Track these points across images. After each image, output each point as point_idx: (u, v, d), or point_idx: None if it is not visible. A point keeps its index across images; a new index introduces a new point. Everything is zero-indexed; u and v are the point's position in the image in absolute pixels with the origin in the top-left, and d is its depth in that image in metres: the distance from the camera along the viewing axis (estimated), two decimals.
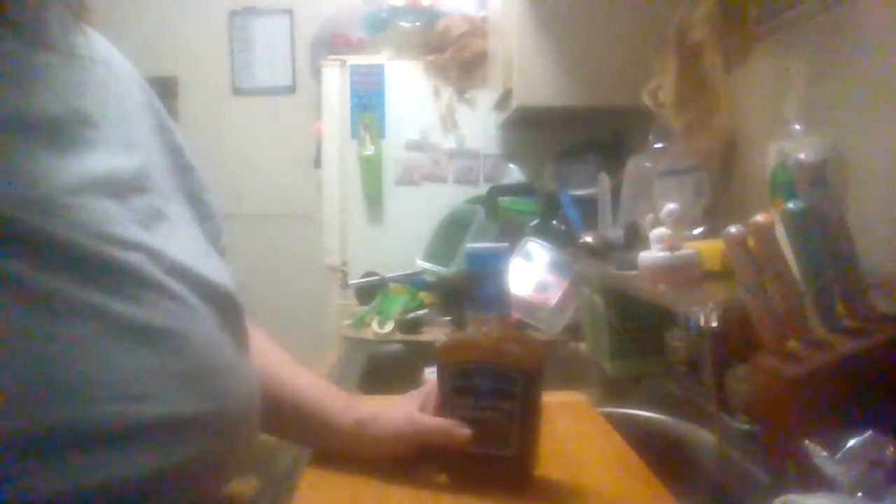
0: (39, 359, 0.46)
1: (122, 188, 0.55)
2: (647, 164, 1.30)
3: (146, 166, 0.59)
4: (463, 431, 0.69)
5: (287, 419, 0.77)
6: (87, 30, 0.60)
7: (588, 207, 1.57)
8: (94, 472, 0.47)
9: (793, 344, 0.58)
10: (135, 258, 0.53)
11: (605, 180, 1.45)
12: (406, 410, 0.77)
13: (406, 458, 0.74)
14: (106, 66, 0.61)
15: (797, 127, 0.89)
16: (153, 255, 0.54)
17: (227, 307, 0.62)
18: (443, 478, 0.71)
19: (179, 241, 0.59)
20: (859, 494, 0.44)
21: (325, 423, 0.77)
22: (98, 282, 0.50)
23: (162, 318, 0.53)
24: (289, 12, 2.88)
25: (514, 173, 2.11)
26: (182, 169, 0.68)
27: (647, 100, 1.22)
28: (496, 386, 0.65)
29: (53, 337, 0.47)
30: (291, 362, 0.83)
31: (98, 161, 0.54)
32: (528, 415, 0.66)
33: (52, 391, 0.46)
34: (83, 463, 0.46)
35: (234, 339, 0.62)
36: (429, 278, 1.85)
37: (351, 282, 1.96)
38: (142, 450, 0.49)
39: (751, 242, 0.59)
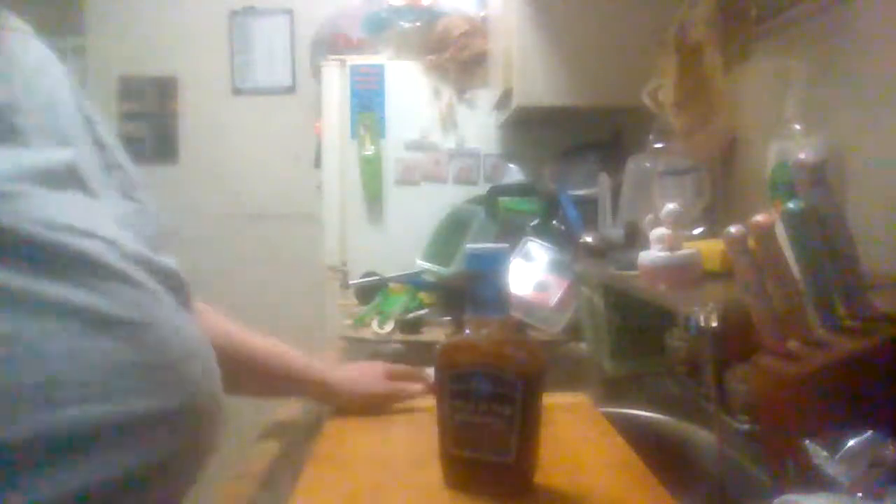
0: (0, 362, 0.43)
1: (58, 180, 0.52)
2: (647, 164, 1.30)
3: (78, 160, 0.56)
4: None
5: (256, 375, 0.87)
6: (12, 19, 0.58)
7: (588, 207, 1.57)
8: (63, 480, 0.44)
9: (793, 344, 0.58)
10: (90, 245, 0.50)
11: (605, 180, 1.45)
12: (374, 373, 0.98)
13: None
14: (32, 56, 0.59)
15: (797, 127, 0.89)
16: (108, 241, 0.51)
17: (182, 292, 0.60)
18: (441, 484, 0.70)
19: (124, 233, 0.56)
20: (859, 494, 0.44)
21: (296, 372, 0.92)
22: (54, 272, 0.47)
23: (126, 308, 0.50)
24: (289, 12, 2.88)
25: (514, 173, 2.11)
26: (111, 166, 0.63)
27: (647, 100, 1.22)
28: (496, 391, 0.65)
29: (13, 336, 0.44)
30: (244, 327, 0.88)
31: (32, 152, 0.51)
32: (528, 421, 0.65)
33: (16, 397, 0.43)
34: (50, 472, 0.43)
35: (192, 325, 0.60)
36: (429, 278, 1.85)
37: (351, 282, 1.96)
38: (113, 452, 0.46)
39: (751, 242, 0.59)
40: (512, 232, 1.72)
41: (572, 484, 0.70)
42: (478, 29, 2.07)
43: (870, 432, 0.45)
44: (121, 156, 0.64)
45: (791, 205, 0.57)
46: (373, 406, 0.95)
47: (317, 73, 2.25)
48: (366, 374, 0.98)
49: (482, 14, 2.10)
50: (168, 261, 0.60)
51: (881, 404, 0.52)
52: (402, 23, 2.12)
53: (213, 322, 0.80)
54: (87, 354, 0.46)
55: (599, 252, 1.31)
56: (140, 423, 0.48)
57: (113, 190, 0.61)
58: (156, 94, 2.90)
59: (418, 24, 2.11)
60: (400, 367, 1.02)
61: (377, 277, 1.88)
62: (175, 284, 0.58)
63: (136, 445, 0.48)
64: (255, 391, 0.90)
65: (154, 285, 0.54)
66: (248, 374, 0.84)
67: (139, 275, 0.53)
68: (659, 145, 1.29)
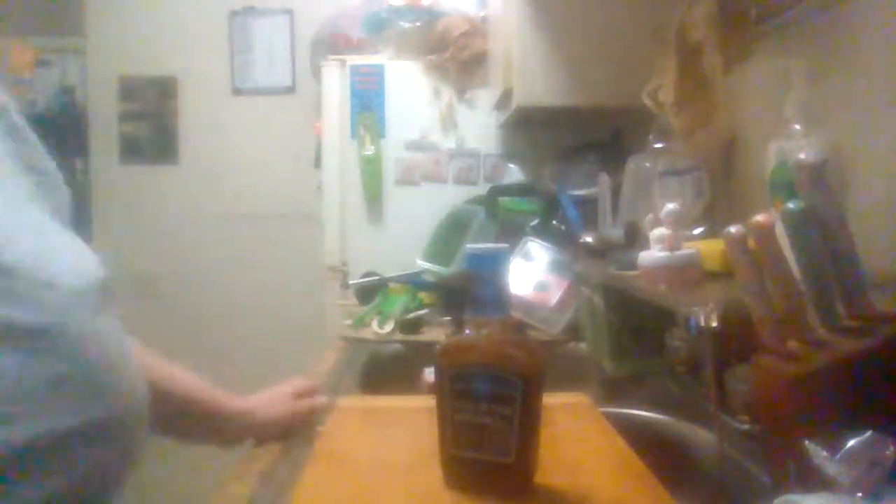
0: None
1: None
2: (647, 164, 1.30)
3: None
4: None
5: (175, 413, 0.77)
6: None
7: (588, 207, 1.57)
8: None
9: (793, 344, 0.58)
10: None
11: (605, 180, 1.45)
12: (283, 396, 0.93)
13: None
14: None
15: (797, 127, 0.89)
16: (6, 230, 0.44)
17: (99, 292, 0.51)
18: (441, 484, 0.70)
19: (28, 218, 0.48)
20: (859, 494, 0.44)
21: (216, 411, 0.84)
22: None
23: (32, 313, 0.43)
24: (289, 12, 2.88)
25: (514, 173, 2.11)
26: (9, 130, 0.54)
27: (647, 100, 1.22)
28: (495, 391, 0.65)
29: None
30: (156, 355, 0.78)
31: None
32: (528, 421, 0.65)
33: None
34: None
35: (113, 327, 0.52)
36: (429, 278, 1.85)
37: (351, 282, 1.96)
38: (26, 477, 0.41)
39: (751, 242, 0.59)
40: (512, 232, 1.72)
41: (572, 484, 0.70)
42: (478, 29, 2.07)
43: (870, 432, 0.45)
44: (19, 119, 0.55)
45: (791, 205, 0.57)
46: (289, 429, 0.90)
47: (317, 73, 2.25)
48: (276, 399, 0.93)
49: (482, 14, 2.10)
50: (83, 250, 0.52)
51: (881, 404, 0.52)
52: (402, 23, 2.12)
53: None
54: None
55: (599, 252, 1.31)
56: (58, 443, 0.43)
57: (13, 160, 0.52)
58: (156, 94, 2.90)
59: (418, 24, 2.11)
60: (301, 384, 0.98)
61: (377, 277, 1.88)
62: (88, 282, 0.50)
63: (55, 466, 0.43)
64: (168, 428, 0.78)
65: (68, 282, 0.46)
66: (165, 407, 0.72)
67: (46, 273, 0.45)
68: (659, 145, 1.29)
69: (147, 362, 0.73)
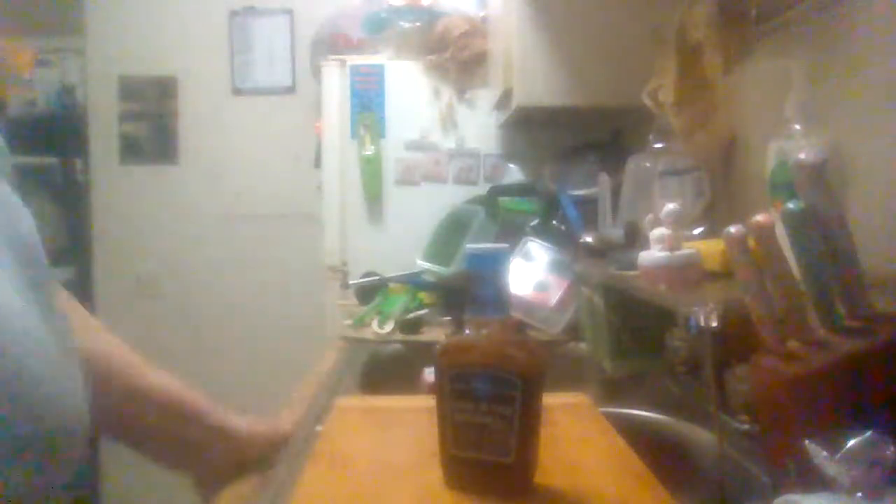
0: None
1: None
2: (647, 164, 1.30)
3: None
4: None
5: (150, 412, 0.70)
6: None
7: (588, 207, 1.57)
8: None
9: (793, 344, 0.58)
10: None
11: (605, 180, 1.45)
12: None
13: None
14: None
15: (797, 127, 0.89)
16: None
17: (34, 269, 0.42)
18: (441, 484, 0.70)
19: None
20: (859, 494, 0.44)
21: (198, 413, 0.75)
22: None
23: None
24: (289, 12, 2.88)
25: (514, 173, 2.11)
26: None
27: (647, 100, 1.22)
28: (496, 391, 0.65)
29: None
30: (132, 351, 0.70)
31: None
32: (528, 421, 0.65)
33: None
34: None
35: (47, 317, 0.42)
36: (429, 278, 1.85)
37: (351, 282, 1.96)
38: None
39: (751, 242, 0.59)
40: (512, 232, 1.72)
41: (572, 484, 0.70)
42: (478, 29, 2.07)
43: (870, 432, 0.45)
44: None
45: (791, 205, 0.57)
46: (276, 443, 0.85)
47: (317, 73, 2.25)
48: (258, 419, 0.85)
49: (482, 14, 2.10)
50: (19, 213, 0.43)
51: (881, 404, 0.52)
52: (402, 23, 2.12)
53: (97, 344, 0.64)
54: None
55: (599, 252, 1.31)
56: None
57: None
58: (156, 94, 2.90)
59: (418, 24, 2.11)
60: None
61: (377, 277, 1.88)
62: (19, 254, 0.40)
63: None
64: (155, 435, 0.73)
65: None
66: (149, 413, 0.67)
67: None
68: (659, 145, 1.29)
69: (135, 361, 0.71)
